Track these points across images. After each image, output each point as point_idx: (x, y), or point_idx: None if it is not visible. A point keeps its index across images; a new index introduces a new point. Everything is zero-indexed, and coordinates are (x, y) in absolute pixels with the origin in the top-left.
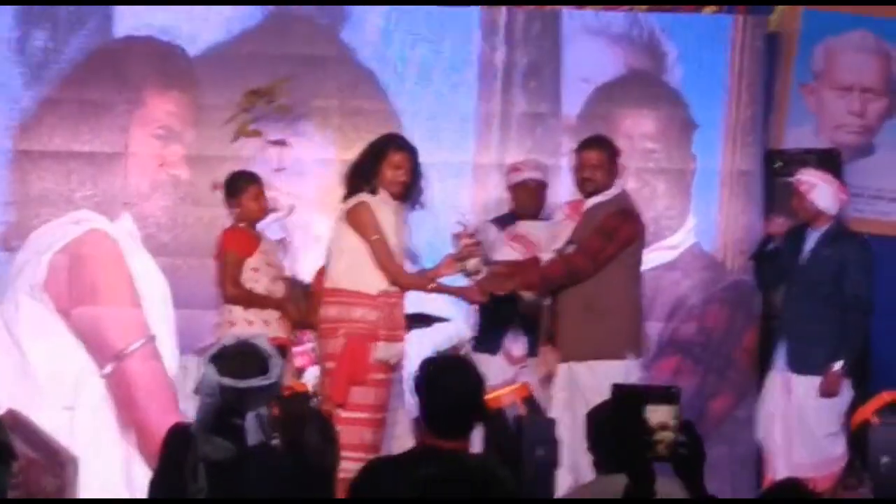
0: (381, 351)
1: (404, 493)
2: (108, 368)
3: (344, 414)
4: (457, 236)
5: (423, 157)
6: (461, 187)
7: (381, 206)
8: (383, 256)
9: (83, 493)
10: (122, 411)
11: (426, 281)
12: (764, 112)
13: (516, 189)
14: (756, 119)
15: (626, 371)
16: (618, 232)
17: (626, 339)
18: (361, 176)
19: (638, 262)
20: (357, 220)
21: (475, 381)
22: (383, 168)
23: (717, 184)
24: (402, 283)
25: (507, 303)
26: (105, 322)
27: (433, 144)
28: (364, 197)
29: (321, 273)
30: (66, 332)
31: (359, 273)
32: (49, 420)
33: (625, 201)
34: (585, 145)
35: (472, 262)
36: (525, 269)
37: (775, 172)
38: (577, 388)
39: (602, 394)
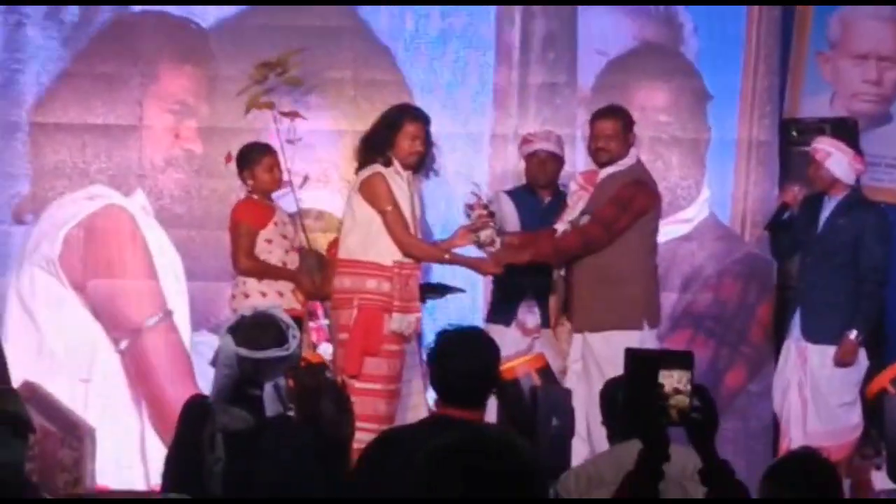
0: (395, 322)
1: (417, 462)
2: (125, 343)
3: (358, 385)
4: (470, 207)
5: (439, 128)
6: (478, 158)
7: (395, 177)
8: (397, 228)
9: (99, 466)
10: (139, 385)
11: (440, 252)
12: (780, 81)
13: (528, 160)
14: (773, 89)
15: (641, 341)
16: (632, 202)
17: (641, 309)
18: (375, 147)
19: (653, 231)
20: (371, 191)
21: (489, 351)
22: (399, 139)
23: (734, 154)
24: (416, 254)
25: (521, 274)
26: (121, 296)
27: (448, 115)
28: (378, 168)
29: (334, 244)
30: (80, 305)
31: (373, 244)
32: (65, 392)
33: (639, 171)
34: (599, 115)
35: (485, 233)
36: (539, 241)
37: (791, 142)
38: (591, 359)
39: (617, 364)
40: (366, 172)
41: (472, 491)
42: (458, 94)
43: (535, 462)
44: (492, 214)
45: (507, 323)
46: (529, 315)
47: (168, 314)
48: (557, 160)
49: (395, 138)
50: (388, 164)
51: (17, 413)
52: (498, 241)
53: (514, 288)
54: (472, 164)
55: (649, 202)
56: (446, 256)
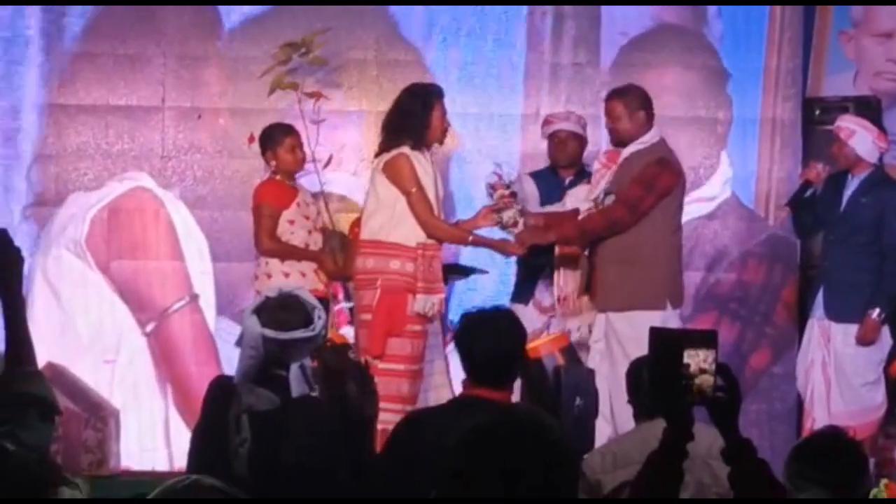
0: (418, 304)
1: (448, 443)
2: (151, 326)
3: (381, 366)
4: (492, 187)
5: (464, 109)
6: (506, 139)
7: (420, 158)
8: (422, 209)
9: (124, 447)
10: (164, 368)
11: (463, 234)
12: (803, 60)
13: (549, 141)
14: (796, 69)
15: (663, 321)
16: (657, 182)
17: (664, 289)
18: (409, 127)
19: (676, 211)
20: (395, 171)
21: (514, 332)
22: (433, 119)
23: (757, 135)
24: (440, 236)
25: (540, 253)
26: (147, 279)
27: (473, 95)
28: (403, 149)
29: (356, 224)
30: (106, 287)
31: (396, 225)
32: (90, 374)
33: (663, 150)
34: (607, 97)
35: (507, 214)
36: (563, 222)
37: (814, 121)
38: (614, 338)
39: (640, 344)
40: (390, 153)
41: (506, 471)
42: (483, 74)
43: (565, 441)
44: (514, 195)
45: (526, 302)
46: (546, 294)
47: (194, 297)
48: (578, 140)
49: (430, 118)
50: (420, 144)
51: (43, 396)
52: (521, 221)
53: (532, 267)
54: (501, 144)
55: (673, 181)
56: (469, 238)
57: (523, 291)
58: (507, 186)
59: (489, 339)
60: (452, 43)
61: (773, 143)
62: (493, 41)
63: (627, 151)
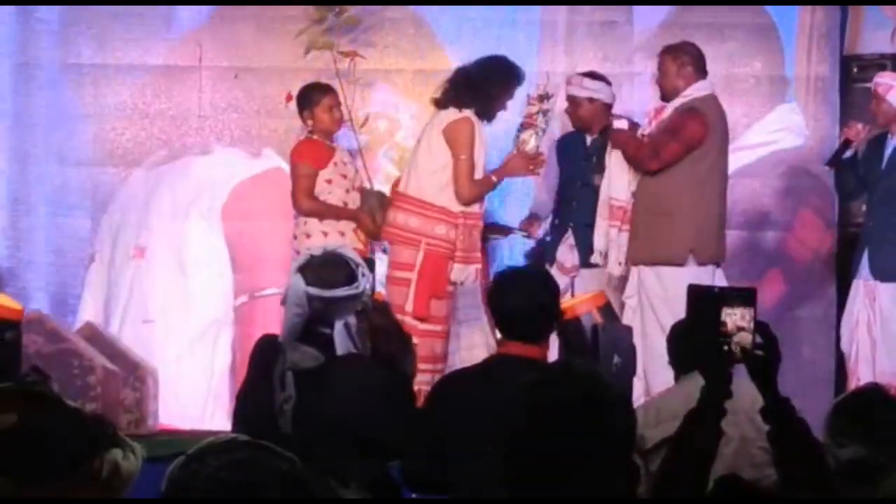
0: (455, 273)
1: (485, 401)
2: (242, 300)
3: (421, 327)
4: (528, 99)
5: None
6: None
7: (480, 127)
8: (465, 175)
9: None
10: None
11: (488, 179)
12: (840, 17)
13: (568, 103)
14: (833, 26)
15: (694, 278)
16: (683, 129)
17: (687, 244)
18: (481, 96)
19: (710, 167)
20: (456, 134)
21: (544, 286)
22: (504, 98)
23: (794, 91)
24: (473, 197)
25: (563, 217)
26: (260, 256)
27: (510, 52)
28: (469, 114)
29: (398, 183)
30: (226, 256)
31: (445, 188)
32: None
33: (699, 102)
34: (660, 52)
35: (525, 133)
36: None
37: (852, 78)
38: (644, 294)
39: (667, 300)
40: (456, 115)
41: (567, 421)
42: (510, 32)
43: (624, 398)
44: (544, 112)
45: (550, 263)
46: (569, 254)
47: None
48: (594, 103)
49: (504, 96)
50: (483, 115)
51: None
52: (535, 145)
53: (555, 228)
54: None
55: (702, 130)
56: (494, 178)
57: (546, 252)
58: (541, 98)
59: (519, 294)
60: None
61: (810, 99)
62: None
63: (671, 106)
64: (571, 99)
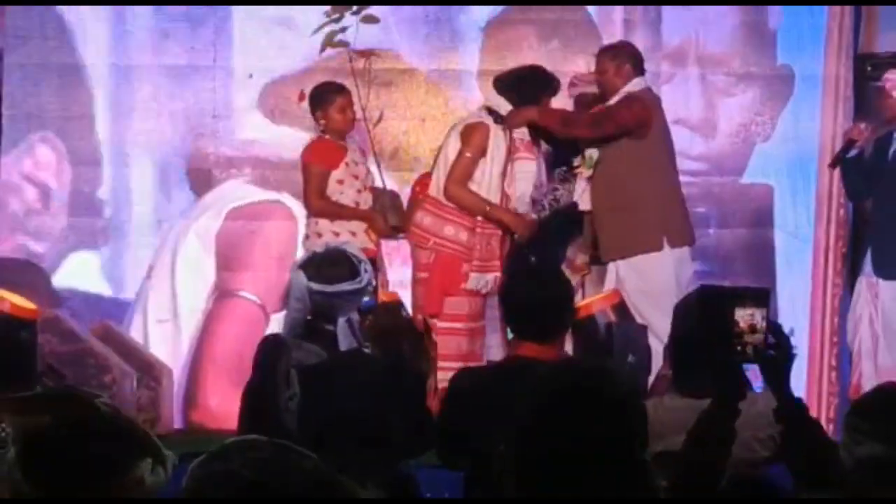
0: (472, 281)
1: (494, 401)
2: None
3: (440, 324)
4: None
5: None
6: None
7: (500, 135)
8: (460, 172)
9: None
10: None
11: (482, 203)
12: (855, 17)
13: (574, 103)
14: (848, 26)
15: (665, 261)
16: (617, 112)
17: (658, 229)
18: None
19: (659, 150)
20: (469, 135)
21: (556, 284)
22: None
23: (819, 92)
24: (458, 200)
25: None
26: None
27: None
28: (485, 119)
29: (422, 179)
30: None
31: None
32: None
33: (634, 93)
34: (598, 52)
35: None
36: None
37: (866, 77)
38: (623, 290)
39: (647, 293)
40: (474, 119)
41: (574, 424)
42: (540, 31)
43: (635, 393)
44: (556, 190)
45: (560, 261)
46: (579, 253)
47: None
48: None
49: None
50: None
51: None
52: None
53: (563, 228)
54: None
55: (637, 115)
56: (487, 208)
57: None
58: (562, 190)
59: (530, 292)
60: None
61: (830, 99)
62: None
63: (611, 102)
64: (586, 98)
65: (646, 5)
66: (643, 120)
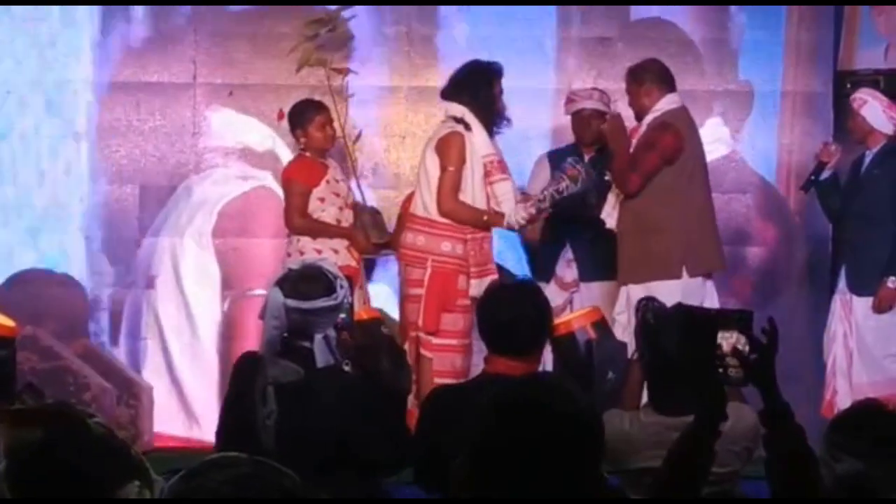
0: (473, 288)
1: (470, 415)
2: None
3: (435, 341)
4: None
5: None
6: (532, 114)
7: (472, 145)
8: (448, 188)
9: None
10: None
11: (480, 213)
12: (834, 34)
13: (573, 119)
14: (823, 41)
15: (684, 290)
16: (657, 142)
17: (678, 257)
18: (481, 107)
19: (690, 177)
20: (445, 148)
21: (533, 299)
22: (496, 96)
23: (779, 108)
24: (456, 217)
25: (561, 229)
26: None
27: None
28: (459, 128)
29: (409, 199)
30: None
31: None
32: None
33: (669, 115)
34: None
35: (561, 186)
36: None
37: (845, 94)
38: (631, 311)
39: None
40: (446, 130)
41: (527, 441)
42: (513, 49)
43: (590, 409)
44: (575, 182)
45: (547, 279)
46: (568, 269)
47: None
48: (602, 117)
49: (494, 96)
50: (487, 118)
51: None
52: (544, 210)
53: (553, 242)
54: (530, 119)
55: (675, 143)
56: (485, 218)
57: (543, 269)
58: (567, 181)
59: (505, 307)
60: (483, 17)
61: (797, 115)
62: (522, 17)
63: (644, 124)
64: (586, 113)
65: (614, 5)
66: (677, 149)
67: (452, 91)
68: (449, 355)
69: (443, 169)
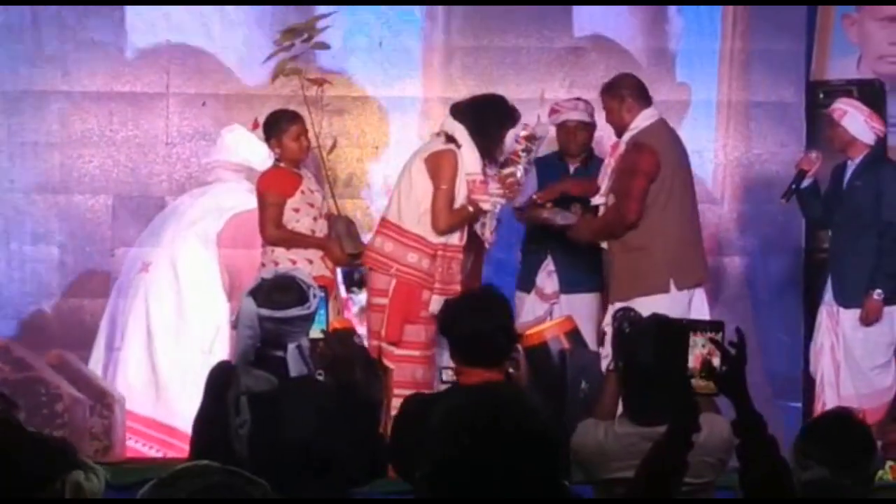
0: (434, 304)
1: (432, 424)
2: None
3: (397, 352)
4: (516, 138)
5: (472, 92)
6: None
7: (462, 163)
8: (443, 205)
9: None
10: None
11: (465, 210)
12: (807, 44)
13: (558, 130)
14: (798, 52)
15: (671, 303)
16: (636, 164)
17: (665, 271)
18: (489, 138)
19: (669, 191)
20: (438, 165)
21: (495, 308)
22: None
23: (714, 116)
24: (450, 224)
25: (542, 240)
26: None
27: (479, 80)
28: (453, 146)
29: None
30: (220, 283)
31: (422, 217)
32: (189, 362)
33: (643, 134)
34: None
35: (507, 170)
36: (579, 226)
37: (818, 104)
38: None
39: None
40: (439, 146)
41: (480, 450)
42: (489, 58)
43: (549, 421)
44: (527, 151)
45: (528, 290)
46: (548, 281)
47: None
48: (587, 128)
49: (499, 138)
50: (488, 153)
51: None
52: (518, 178)
53: (535, 254)
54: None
55: (652, 161)
56: (470, 209)
57: (526, 280)
58: (529, 138)
59: (467, 317)
60: (458, 26)
61: (737, 124)
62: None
63: (622, 142)
64: (571, 124)
65: (562, 5)
66: (657, 166)
67: (464, 112)
68: (410, 366)
69: (436, 187)
